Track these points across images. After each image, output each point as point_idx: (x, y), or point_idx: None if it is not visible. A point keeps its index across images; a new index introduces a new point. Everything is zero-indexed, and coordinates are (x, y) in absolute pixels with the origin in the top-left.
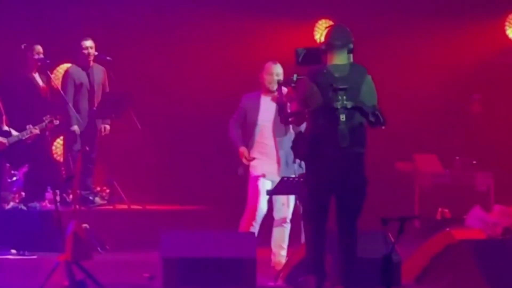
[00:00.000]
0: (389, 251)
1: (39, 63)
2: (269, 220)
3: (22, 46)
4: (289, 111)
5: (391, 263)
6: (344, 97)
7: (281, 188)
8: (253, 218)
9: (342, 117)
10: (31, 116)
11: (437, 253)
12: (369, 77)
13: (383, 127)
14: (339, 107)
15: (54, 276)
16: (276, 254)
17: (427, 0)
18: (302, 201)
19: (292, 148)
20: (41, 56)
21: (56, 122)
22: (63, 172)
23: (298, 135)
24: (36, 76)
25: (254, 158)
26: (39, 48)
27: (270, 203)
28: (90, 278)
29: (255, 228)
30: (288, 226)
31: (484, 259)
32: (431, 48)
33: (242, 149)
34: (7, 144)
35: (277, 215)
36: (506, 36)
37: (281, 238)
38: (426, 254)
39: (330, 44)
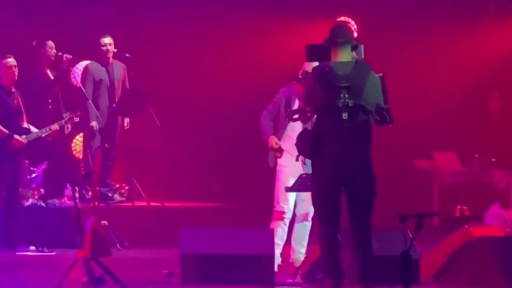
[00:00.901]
0: (407, 248)
1: (52, 59)
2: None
3: (34, 43)
4: (295, 107)
5: (409, 260)
6: (346, 95)
7: (300, 185)
8: (280, 218)
9: (345, 115)
10: (45, 112)
11: (456, 250)
12: (373, 74)
13: (390, 125)
14: (341, 105)
15: (73, 272)
16: (295, 251)
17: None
18: (312, 199)
19: (296, 144)
20: (54, 51)
21: (76, 119)
22: (82, 168)
23: (303, 132)
24: (48, 72)
25: (282, 150)
26: (51, 43)
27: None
28: (109, 274)
29: (283, 229)
30: (309, 224)
31: (503, 256)
32: (451, 45)
33: (272, 137)
34: (25, 143)
35: (298, 211)
36: None
37: (301, 235)
38: (445, 251)
39: (333, 42)
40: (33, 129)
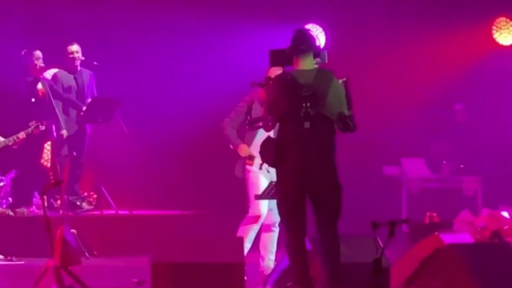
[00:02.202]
0: (379, 255)
1: (38, 68)
2: None
3: (22, 53)
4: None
5: (380, 267)
6: (308, 104)
7: (269, 192)
8: (255, 222)
9: (307, 124)
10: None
11: (426, 257)
12: (336, 82)
13: (353, 132)
14: (302, 114)
15: (43, 281)
16: (265, 258)
17: (415, 6)
18: (277, 206)
19: (260, 152)
20: (41, 61)
21: (42, 128)
22: (51, 177)
23: (266, 140)
24: (29, 80)
25: (254, 157)
26: (38, 53)
27: None
28: (79, 283)
29: (255, 232)
30: (276, 230)
31: (473, 263)
32: (419, 52)
33: (243, 146)
34: None
35: (265, 219)
36: (494, 40)
37: (270, 242)
38: (415, 258)
39: (295, 49)
40: (0, 138)
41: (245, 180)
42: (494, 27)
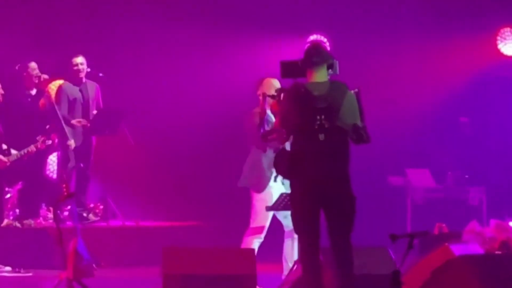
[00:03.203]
0: (398, 265)
1: (36, 81)
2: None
3: (16, 67)
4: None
5: (399, 279)
6: (323, 117)
7: (280, 203)
8: (259, 233)
9: (321, 137)
10: (34, 133)
11: (437, 268)
12: (350, 94)
13: (367, 144)
14: (317, 127)
15: None
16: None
17: (420, 16)
18: (291, 219)
19: (274, 164)
20: (37, 72)
21: (49, 142)
22: (64, 189)
23: (281, 152)
24: (33, 93)
25: None
26: (34, 65)
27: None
28: None
29: (259, 243)
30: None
31: (484, 274)
32: (424, 63)
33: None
34: (8, 163)
35: (287, 226)
36: (498, 51)
37: (294, 249)
38: (426, 269)
39: (308, 62)
40: (13, 151)
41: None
42: (498, 38)
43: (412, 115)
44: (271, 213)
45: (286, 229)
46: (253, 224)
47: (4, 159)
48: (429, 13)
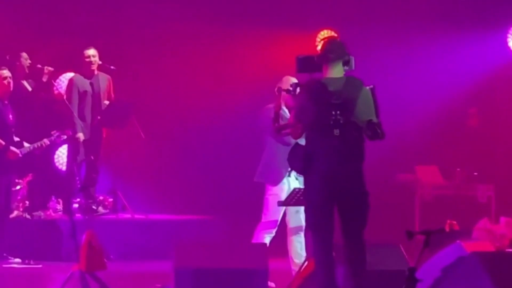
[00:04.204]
0: (415, 264)
1: (27, 71)
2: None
3: (7, 57)
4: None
5: (415, 276)
6: (338, 112)
7: (293, 199)
8: (271, 228)
9: (336, 132)
10: (25, 124)
11: (448, 265)
12: (365, 90)
13: (382, 140)
14: (332, 122)
15: (68, 285)
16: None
17: (428, 13)
18: (305, 214)
19: (288, 159)
20: (29, 62)
21: (64, 137)
22: (77, 181)
23: (295, 147)
24: (25, 83)
25: None
26: (25, 55)
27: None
28: None
29: (270, 238)
30: (303, 234)
31: (496, 271)
32: (434, 60)
33: None
34: (20, 155)
35: (293, 223)
36: (508, 48)
37: (301, 246)
38: (437, 266)
39: (324, 57)
40: (25, 144)
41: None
42: (509, 35)
43: (421, 112)
44: (283, 208)
45: (290, 226)
46: (265, 218)
47: (16, 150)
48: (439, 9)
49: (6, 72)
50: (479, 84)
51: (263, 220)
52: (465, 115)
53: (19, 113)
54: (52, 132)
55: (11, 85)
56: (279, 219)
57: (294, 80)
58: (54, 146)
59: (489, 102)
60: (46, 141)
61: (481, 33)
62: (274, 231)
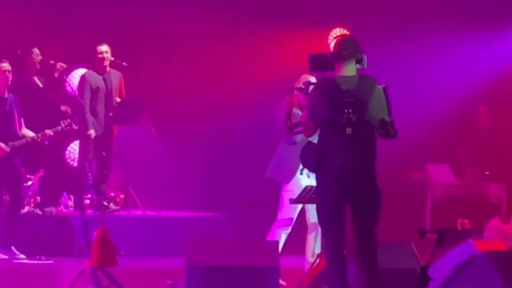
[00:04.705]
0: (427, 261)
1: (38, 66)
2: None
3: (19, 52)
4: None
5: (427, 274)
6: (350, 110)
7: (304, 196)
8: (286, 225)
9: (348, 130)
10: (35, 120)
11: (460, 264)
12: (378, 88)
13: (394, 138)
14: (344, 120)
15: (79, 281)
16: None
17: (441, 11)
18: (317, 212)
19: (300, 157)
20: (40, 58)
21: (75, 127)
22: (90, 177)
23: (307, 145)
24: (36, 79)
25: None
26: (37, 51)
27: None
28: (116, 284)
29: (286, 236)
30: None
31: (507, 270)
32: (447, 58)
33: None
34: (7, 150)
35: (311, 220)
36: None
37: (317, 244)
38: (448, 265)
39: (337, 55)
40: (30, 133)
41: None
42: None
43: (433, 111)
44: (299, 206)
45: (309, 223)
46: (280, 216)
47: (2, 145)
48: (453, 7)
49: (6, 65)
50: (491, 83)
51: (278, 217)
52: (476, 113)
53: (29, 109)
54: (62, 122)
55: (9, 79)
56: (295, 216)
57: (312, 79)
58: (66, 142)
59: (501, 100)
60: (49, 131)
61: (494, 31)
62: (289, 228)
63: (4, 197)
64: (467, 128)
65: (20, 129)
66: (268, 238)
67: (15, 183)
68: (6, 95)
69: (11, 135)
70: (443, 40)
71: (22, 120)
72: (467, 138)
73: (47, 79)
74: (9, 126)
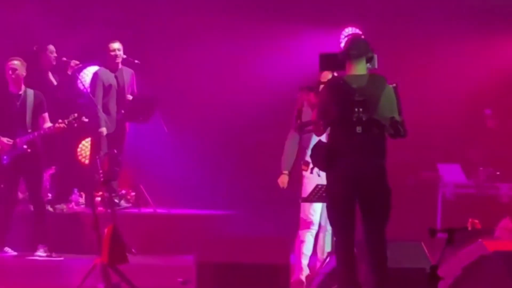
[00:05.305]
0: (437, 262)
1: (54, 63)
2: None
3: (34, 48)
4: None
5: (437, 274)
6: (361, 109)
7: (315, 195)
8: (308, 226)
9: (359, 129)
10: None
11: (470, 264)
12: (388, 87)
13: (404, 138)
14: (355, 119)
15: (90, 278)
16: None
17: (452, 14)
18: (327, 211)
19: (311, 157)
20: (55, 55)
21: (85, 119)
22: (101, 174)
23: (318, 144)
24: (50, 76)
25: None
26: (52, 47)
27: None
28: (126, 281)
29: (312, 236)
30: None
31: None
32: (458, 58)
33: (283, 176)
34: (10, 143)
35: (323, 221)
36: None
37: (328, 244)
38: (458, 265)
39: (348, 54)
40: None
41: (300, 185)
42: None
43: (444, 110)
44: (318, 205)
45: (319, 221)
46: (302, 216)
47: (4, 140)
48: (463, 8)
49: (16, 63)
50: (505, 83)
51: (300, 217)
52: (483, 117)
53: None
54: (71, 115)
55: (20, 76)
56: (314, 216)
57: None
58: (78, 139)
59: (509, 103)
60: (60, 125)
61: (503, 32)
62: (312, 228)
63: (19, 194)
64: (478, 129)
65: (39, 125)
66: (296, 239)
67: (32, 183)
68: (20, 92)
69: (19, 131)
70: (455, 40)
71: (44, 115)
72: (478, 139)
73: (60, 76)
74: (18, 123)
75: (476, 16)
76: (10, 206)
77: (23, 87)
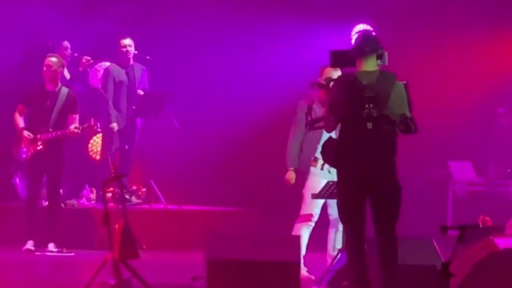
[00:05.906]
0: (449, 259)
1: (69, 59)
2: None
3: (50, 44)
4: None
5: (449, 271)
6: (371, 105)
7: (326, 192)
8: (308, 220)
9: (369, 125)
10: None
11: (480, 260)
12: (399, 84)
13: (415, 134)
14: (365, 115)
15: (101, 273)
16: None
17: (464, 11)
18: (337, 208)
19: (321, 153)
20: (69, 51)
21: (98, 129)
22: (112, 170)
23: (328, 140)
24: (65, 71)
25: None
26: (67, 43)
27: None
28: (137, 277)
29: (309, 231)
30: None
31: None
32: (470, 55)
33: (290, 172)
34: (30, 138)
35: (334, 216)
36: None
37: (339, 240)
38: (468, 262)
39: (358, 50)
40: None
41: (304, 180)
42: None
43: (455, 107)
44: (321, 201)
45: (331, 218)
46: (302, 211)
47: (26, 134)
48: (475, 7)
49: (52, 60)
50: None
51: (300, 212)
52: (496, 116)
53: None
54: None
55: (56, 74)
56: (316, 211)
57: (334, 73)
58: (89, 135)
59: None
60: (75, 130)
61: None
62: (311, 223)
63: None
64: (489, 126)
65: (65, 125)
66: (292, 233)
67: (51, 180)
68: (54, 89)
69: (41, 129)
70: (467, 37)
71: (74, 116)
72: (490, 136)
73: (73, 72)
74: (42, 120)
75: (490, 13)
76: (33, 202)
77: (59, 84)
